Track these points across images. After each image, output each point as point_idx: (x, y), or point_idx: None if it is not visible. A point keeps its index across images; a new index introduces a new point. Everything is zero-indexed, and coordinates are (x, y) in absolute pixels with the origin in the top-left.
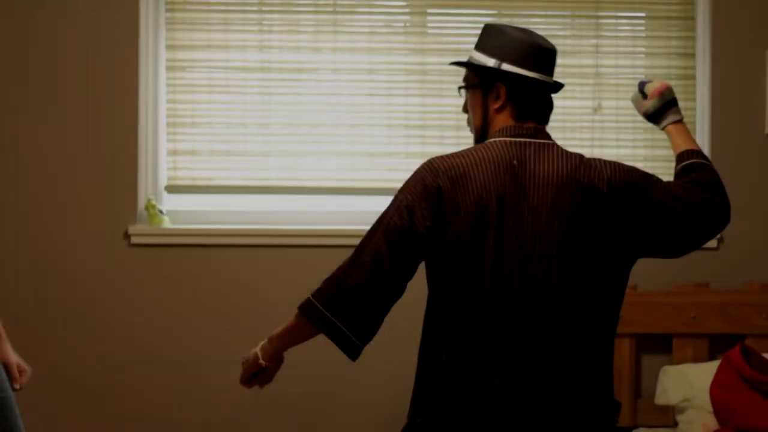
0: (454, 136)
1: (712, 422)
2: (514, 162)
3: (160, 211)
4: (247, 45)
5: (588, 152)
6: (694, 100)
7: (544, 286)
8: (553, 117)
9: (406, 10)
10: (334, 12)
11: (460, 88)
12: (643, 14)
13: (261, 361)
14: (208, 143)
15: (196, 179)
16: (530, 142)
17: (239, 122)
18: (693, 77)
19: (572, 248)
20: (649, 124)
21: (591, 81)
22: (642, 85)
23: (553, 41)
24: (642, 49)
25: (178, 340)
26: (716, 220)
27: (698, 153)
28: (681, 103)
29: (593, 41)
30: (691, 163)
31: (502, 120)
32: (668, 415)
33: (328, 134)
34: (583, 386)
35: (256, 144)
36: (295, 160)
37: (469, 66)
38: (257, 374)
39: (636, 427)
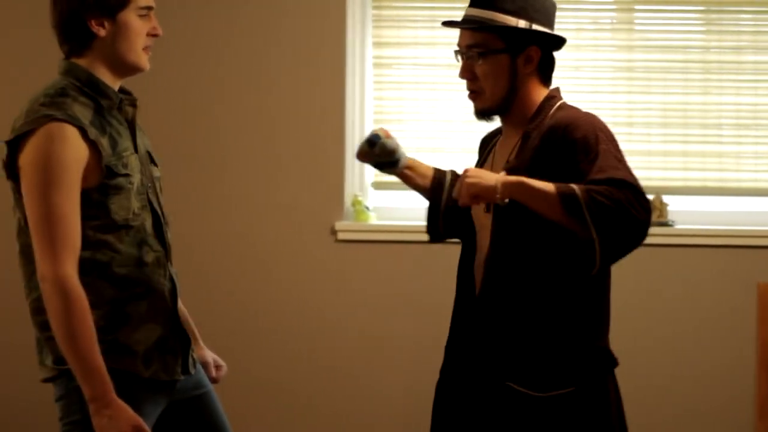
0: (661, 134)
1: None
2: None
3: (367, 208)
4: (453, 42)
5: None
6: None
7: None
8: None
9: (613, 6)
10: None
11: (481, 54)
12: None
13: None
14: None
15: None
16: None
17: (446, 119)
18: None
19: None
20: None
21: None
22: (372, 139)
23: (762, 37)
24: None
25: (385, 337)
26: None
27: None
28: None
29: None
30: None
31: (533, 85)
32: None
33: None
34: None
35: (460, 140)
36: None
37: (493, 29)
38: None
39: None
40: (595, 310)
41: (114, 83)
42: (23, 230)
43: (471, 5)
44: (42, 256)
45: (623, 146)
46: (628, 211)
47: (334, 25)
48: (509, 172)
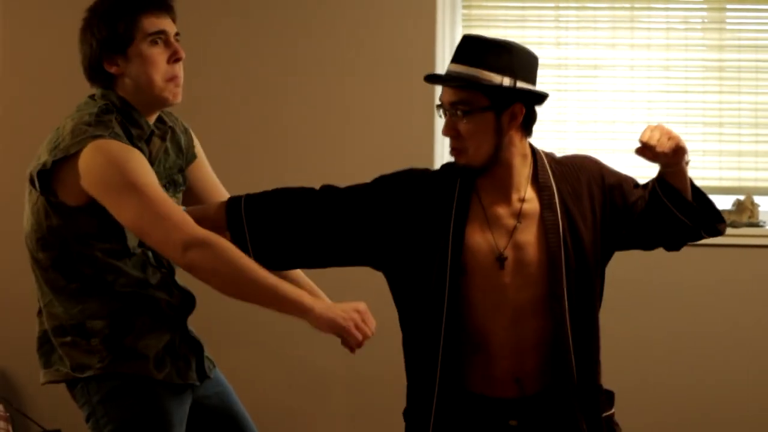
0: (753, 134)
1: None
2: None
3: None
4: (543, 42)
5: None
6: None
7: None
8: None
9: (704, 6)
10: (631, 8)
11: (465, 112)
12: None
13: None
14: None
15: None
16: None
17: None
18: None
19: None
20: None
21: None
22: None
23: None
24: None
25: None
26: None
27: None
28: None
29: None
30: None
31: (517, 140)
32: None
33: (624, 131)
34: None
35: (550, 140)
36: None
37: (478, 87)
38: None
39: None
40: None
41: (148, 116)
42: (30, 236)
43: (454, 61)
44: (169, 235)
45: (714, 146)
46: None
47: (424, 25)
48: (550, 228)
